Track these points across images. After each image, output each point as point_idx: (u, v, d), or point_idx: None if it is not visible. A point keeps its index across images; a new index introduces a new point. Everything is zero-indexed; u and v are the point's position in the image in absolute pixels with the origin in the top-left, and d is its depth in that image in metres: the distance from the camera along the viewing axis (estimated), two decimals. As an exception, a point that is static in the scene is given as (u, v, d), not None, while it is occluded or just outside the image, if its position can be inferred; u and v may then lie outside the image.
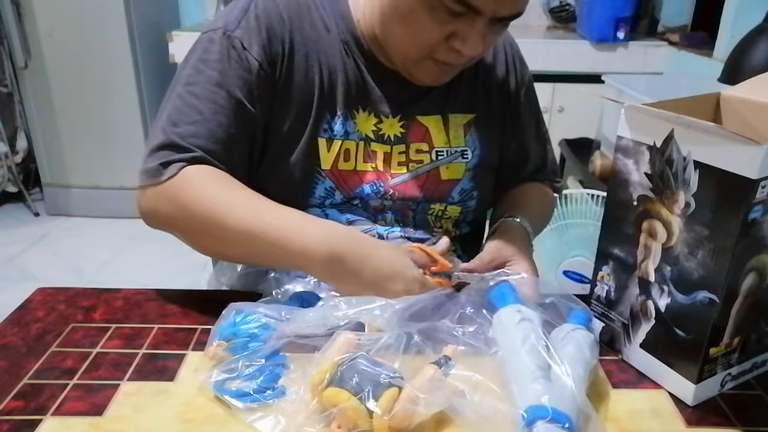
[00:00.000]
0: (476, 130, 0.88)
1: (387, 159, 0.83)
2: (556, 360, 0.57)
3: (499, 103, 0.90)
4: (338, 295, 0.69)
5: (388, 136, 0.83)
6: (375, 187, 0.82)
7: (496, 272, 0.74)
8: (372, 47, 0.81)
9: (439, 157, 0.85)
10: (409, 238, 0.83)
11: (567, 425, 0.51)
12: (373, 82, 0.81)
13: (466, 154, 0.87)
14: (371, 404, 0.51)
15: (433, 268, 0.73)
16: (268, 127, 0.78)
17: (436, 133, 0.85)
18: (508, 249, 0.78)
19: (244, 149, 0.77)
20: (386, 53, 0.80)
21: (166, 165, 0.72)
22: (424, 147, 0.85)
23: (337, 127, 0.80)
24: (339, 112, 0.80)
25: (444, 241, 0.77)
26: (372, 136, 0.82)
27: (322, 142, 0.79)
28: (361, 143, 0.81)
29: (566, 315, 0.65)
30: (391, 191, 0.83)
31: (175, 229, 0.74)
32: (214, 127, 0.74)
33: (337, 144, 0.80)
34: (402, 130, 0.83)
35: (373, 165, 0.82)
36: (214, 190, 0.71)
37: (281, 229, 0.68)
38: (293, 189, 0.79)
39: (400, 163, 0.84)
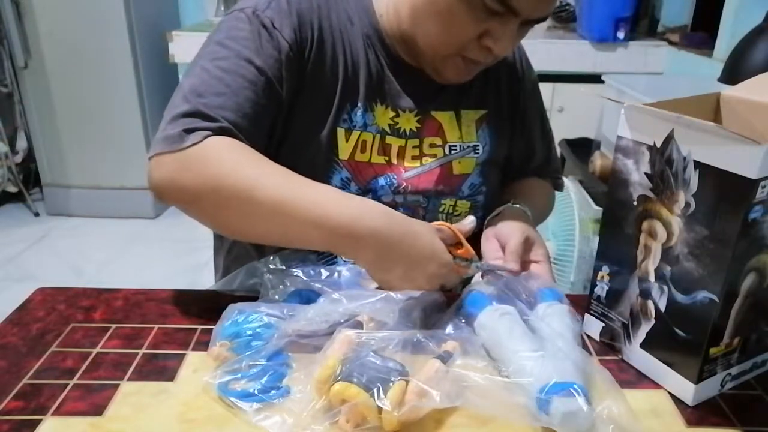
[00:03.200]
0: (487, 125, 0.90)
1: (401, 152, 0.84)
2: (546, 337, 0.60)
3: (508, 101, 0.92)
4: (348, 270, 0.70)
5: (404, 130, 0.84)
6: (389, 180, 0.83)
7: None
8: (393, 43, 0.82)
9: (452, 152, 0.87)
10: None
11: (577, 388, 0.53)
12: (392, 76, 0.83)
13: (478, 149, 0.88)
14: (381, 399, 0.51)
15: (457, 252, 0.73)
16: (290, 112, 0.78)
17: (449, 128, 0.87)
18: (531, 235, 0.79)
19: (266, 129, 0.76)
20: (409, 49, 0.81)
21: (189, 132, 0.67)
22: (438, 141, 0.86)
23: (357, 118, 0.81)
24: (360, 104, 0.81)
25: (470, 220, 0.77)
26: (388, 129, 0.83)
27: (340, 132, 0.80)
28: (378, 136, 0.82)
29: (537, 296, 0.68)
30: (404, 184, 0.84)
31: (195, 201, 0.68)
32: (241, 102, 0.71)
33: (355, 135, 0.81)
34: (418, 125, 0.84)
35: (387, 158, 0.83)
36: (245, 161, 0.67)
37: (317, 204, 0.65)
38: (310, 177, 0.79)
39: (413, 157, 0.85)
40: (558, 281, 1.64)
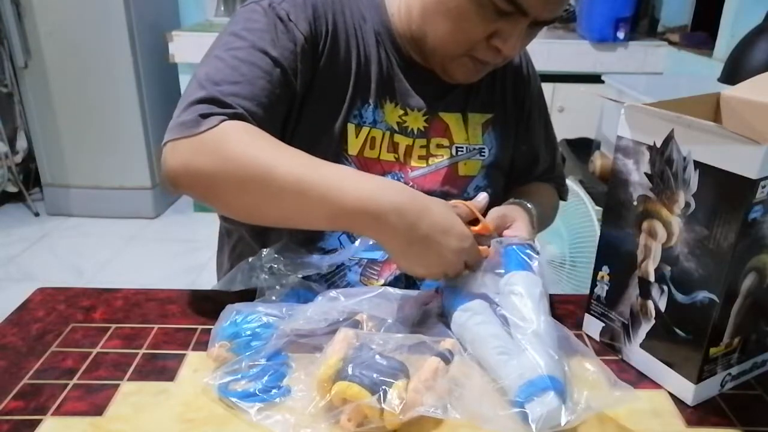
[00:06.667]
0: (493, 129, 0.90)
1: (408, 151, 0.84)
2: (514, 334, 0.61)
3: (514, 105, 0.92)
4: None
5: (412, 129, 0.84)
6: (396, 178, 0.83)
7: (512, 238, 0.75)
8: (404, 42, 0.82)
9: (459, 153, 0.87)
10: None
11: (551, 385, 0.53)
12: (402, 75, 0.83)
13: (484, 152, 0.89)
14: (383, 398, 0.51)
15: (474, 229, 0.72)
16: (303, 104, 0.78)
17: (456, 129, 0.87)
18: (513, 213, 0.79)
19: (280, 120, 0.76)
20: (419, 49, 0.81)
21: (205, 117, 0.66)
22: (445, 142, 0.86)
23: (368, 114, 0.81)
24: (370, 100, 0.81)
25: (483, 196, 0.77)
26: (396, 127, 0.83)
27: (351, 128, 0.80)
28: (387, 133, 0.82)
29: (503, 265, 0.67)
30: (411, 183, 0.84)
31: (211, 185, 0.67)
32: (257, 91, 0.71)
33: (365, 131, 0.81)
34: (425, 125, 0.85)
35: (396, 156, 0.84)
36: (261, 143, 0.66)
37: (336, 181, 0.64)
38: None
39: (420, 157, 0.85)
40: (573, 284, 1.64)
